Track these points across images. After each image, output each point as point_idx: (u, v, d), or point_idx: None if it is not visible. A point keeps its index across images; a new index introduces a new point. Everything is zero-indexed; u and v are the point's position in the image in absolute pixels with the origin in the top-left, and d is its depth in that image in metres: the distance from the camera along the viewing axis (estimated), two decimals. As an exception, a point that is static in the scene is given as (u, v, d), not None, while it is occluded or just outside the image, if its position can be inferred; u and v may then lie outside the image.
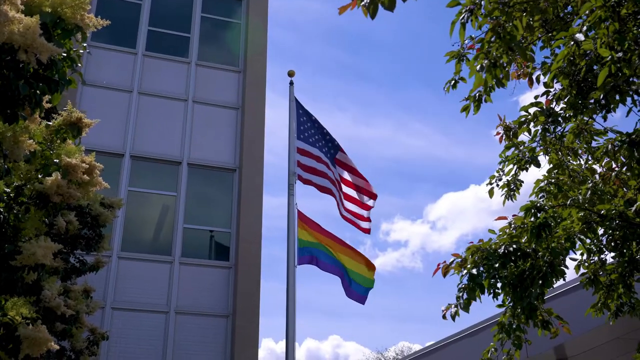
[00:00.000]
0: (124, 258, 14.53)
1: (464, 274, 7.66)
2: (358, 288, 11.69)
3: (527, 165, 7.54)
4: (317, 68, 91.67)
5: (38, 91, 4.66)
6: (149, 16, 17.14)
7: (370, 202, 12.50)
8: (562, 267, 7.58)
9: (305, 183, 11.95)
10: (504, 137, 7.64)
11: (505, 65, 6.28)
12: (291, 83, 12.94)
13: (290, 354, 10.33)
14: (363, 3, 4.36)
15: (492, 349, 8.65)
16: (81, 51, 5.34)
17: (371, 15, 4.29)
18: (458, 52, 6.65)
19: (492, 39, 6.01)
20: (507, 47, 5.92)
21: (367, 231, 12.41)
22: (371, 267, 11.97)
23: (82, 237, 9.61)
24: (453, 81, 6.89)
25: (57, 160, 5.96)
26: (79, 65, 5.30)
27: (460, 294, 7.67)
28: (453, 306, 7.76)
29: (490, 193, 7.95)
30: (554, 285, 7.86)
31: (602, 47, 5.43)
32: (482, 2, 5.96)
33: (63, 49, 4.82)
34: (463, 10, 5.91)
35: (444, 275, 7.80)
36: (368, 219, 12.47)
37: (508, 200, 7.89)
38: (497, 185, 8.01)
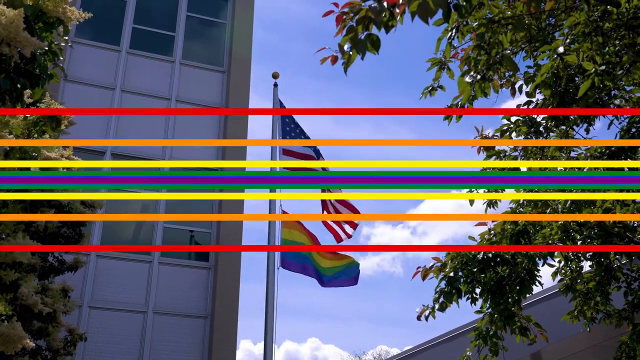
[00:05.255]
0: (103, 257, 14.39)
1: (442, 277, 7.74)
2: (343, 274, 11.65)
3: None
4: (299, 68, 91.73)
5: (19, 85, 4.59)
6: (134, 13, 17.02)
7: (349, 229, 12.34)
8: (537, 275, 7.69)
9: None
10: (481, 149, 7.69)
11: (491, 78, 6.28)
12: (275, 85, 12.94)
13: (269, 356, 10.31)
14: (343, 61, 3.99)
15: (468, 355, 8.72)
16: (63, 44, 5.26)
17: (362, 56, 4.01)
18: (440, 59, 6.64)
19: (479, 56, 5.99)
20: (494, 61, 5.90)
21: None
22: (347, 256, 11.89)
23: (61, 236, 9.49)
24: (431, 88, 6.84)
25: (36, 154, 5.82)
26: (61, 58, 5.22)
27: (438, 297, 7.75)
28: (429, 308, 7.84)
29: (471, 202, 7.99)
30: (533, 292, 7.95)
31: (585, 59, 5.49)
32: (468, 20, 5.94)
33: (45, 43, 4.76)
34: (449, 28, 5.90)
35: (423, 278, 7.86)
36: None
37: (490, 208, 7.95)
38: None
